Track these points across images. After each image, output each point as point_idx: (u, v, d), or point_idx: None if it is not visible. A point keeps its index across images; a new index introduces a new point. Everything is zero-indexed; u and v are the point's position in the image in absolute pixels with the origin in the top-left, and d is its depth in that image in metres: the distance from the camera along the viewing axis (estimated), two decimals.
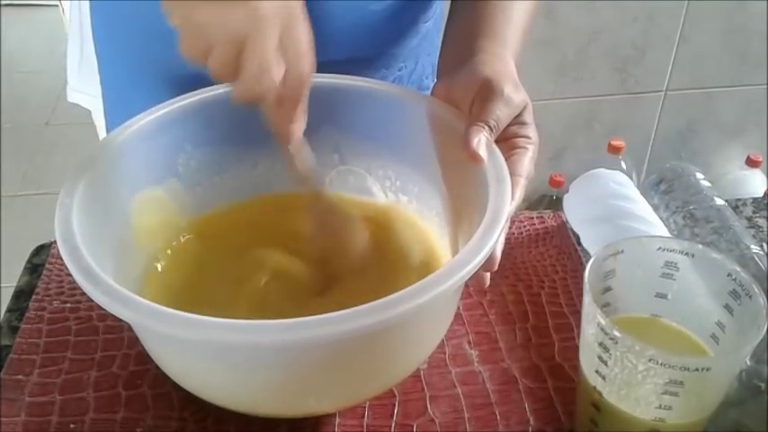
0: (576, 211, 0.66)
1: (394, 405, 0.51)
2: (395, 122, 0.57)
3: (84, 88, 1.13)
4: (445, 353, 0.55)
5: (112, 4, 0.68)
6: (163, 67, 0.66)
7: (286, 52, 0.43)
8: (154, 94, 0.58)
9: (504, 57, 0.55)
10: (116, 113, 0.77)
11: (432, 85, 0.62)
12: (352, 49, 0.66)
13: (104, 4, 0.70)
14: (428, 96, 0.56)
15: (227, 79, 0.44)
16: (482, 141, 0.48)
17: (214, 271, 0.55)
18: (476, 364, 0.55)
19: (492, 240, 0.43)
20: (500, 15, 0.59)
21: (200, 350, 0.43)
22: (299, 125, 0.48)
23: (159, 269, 0.55)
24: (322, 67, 0.59)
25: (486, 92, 0.50)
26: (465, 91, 0.52)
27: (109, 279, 0.41)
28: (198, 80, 0.55)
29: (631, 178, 0.69)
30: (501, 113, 0.49)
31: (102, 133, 1.01)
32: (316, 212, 0.54)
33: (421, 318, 0.45)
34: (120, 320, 0.41)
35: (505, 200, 0.46)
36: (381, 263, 0.56)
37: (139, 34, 0.66)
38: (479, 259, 0.41)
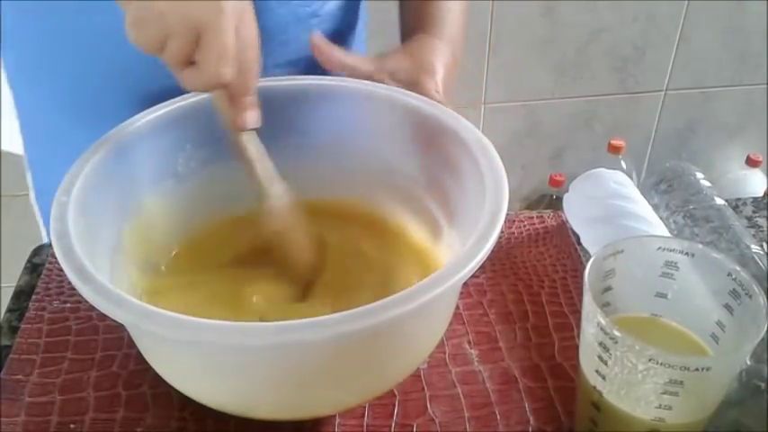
0: (576, 211, 0.66)
1: (394, 405, 0.51)
2: (387, 122, 0.58)
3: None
4: (445, 352, 0.55)
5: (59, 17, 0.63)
6: (133, 80, 0.63)
7: (238, 43, 0.45)
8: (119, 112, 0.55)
9: (437, 47, 0.65)
10: (44, 146, 0.74)
11: None
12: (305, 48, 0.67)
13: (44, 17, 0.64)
14: (417, 96, 0.56)
15: (182, 68, 0.45)
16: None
17: (212, 273, 0.55)
18: (476, 363, 0.54)
19: (490, 241, 0.43)
20: (438, 14, 0.69)
21: (191, 352, 0.43)
22: (252, 114, 0.50)
23: (157, 270, 0.55)
24: (277, 68, 0.60)
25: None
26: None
27: (102, 278, 0.41)
28: (166, 93, 0.55)
29: (631, 178, 0.69)
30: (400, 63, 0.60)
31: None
32: (272, 225, 0.54)
33: (418, 320, 0.45)
34: None
35: (503, 203, 0.46)
36: (377, 265, 0.56)
37: (110, 46, 0.60)
38: (477, 261, 0.41)
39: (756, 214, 0.71)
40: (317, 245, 0.56)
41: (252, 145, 0.52)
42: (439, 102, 0.56)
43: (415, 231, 0.58)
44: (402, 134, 0.57)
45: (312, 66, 0.66)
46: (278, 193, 0.53)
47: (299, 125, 0.58)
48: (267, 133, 0.52)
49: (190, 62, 0.45)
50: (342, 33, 0.72)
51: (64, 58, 0.65)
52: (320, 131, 0.59)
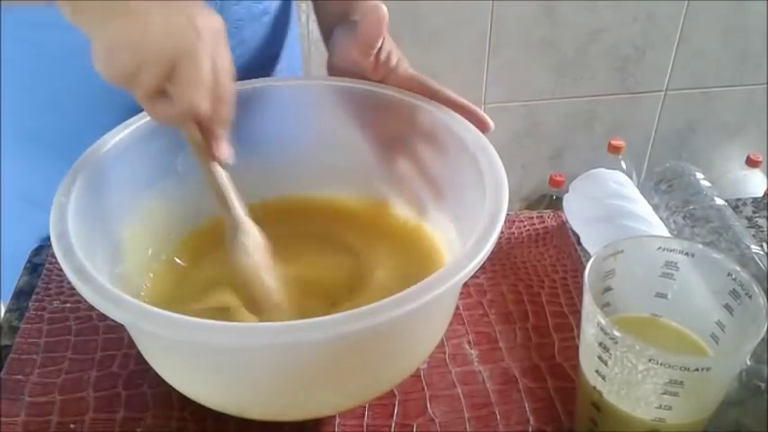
0: (576, 211, 0.66)
1: (394, 405, 0.51)
2: (386, 121, 0.58)
3: None
4: (445, 353, 0.55)
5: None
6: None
7: (214, 72, 0.43)
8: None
9: None
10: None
11: None
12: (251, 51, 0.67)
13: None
14: (414, 95, 0.56)
15: (152, 100, 0.43)
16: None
17: (211, 274, 0.55)
18: (476, 363, 0.54)
19: (490, 241, 0.43)
20: None
21: (190, 352, 0.43)
22: (226, 143, 0.47)
23: (156, 271, 0.55)
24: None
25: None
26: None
27: (101, 278, 0.41)
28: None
29: (631, 178, 0.69)
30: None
31: None
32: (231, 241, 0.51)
33: (418, 320, 0.45)
34: None
35: (503, 203, 0.46)
36: (376, 266, 0.56)
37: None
38: (477, 262, 0.41)
39: (756, 214, 0.71)
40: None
41: (223, 177, 0.49)
42: (440, 89, 0.56)
43: (416, 230, 0.58)
44: (397, 132, 0.57)
45: (265, 62, 0.66)
46: (252, 230, 0.50)
47: (258, 128, 0.58)
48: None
49: (160, 93, 0.43)
50: (284, 28, 0.73)
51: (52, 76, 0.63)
52: (320, 130, 0.59)
